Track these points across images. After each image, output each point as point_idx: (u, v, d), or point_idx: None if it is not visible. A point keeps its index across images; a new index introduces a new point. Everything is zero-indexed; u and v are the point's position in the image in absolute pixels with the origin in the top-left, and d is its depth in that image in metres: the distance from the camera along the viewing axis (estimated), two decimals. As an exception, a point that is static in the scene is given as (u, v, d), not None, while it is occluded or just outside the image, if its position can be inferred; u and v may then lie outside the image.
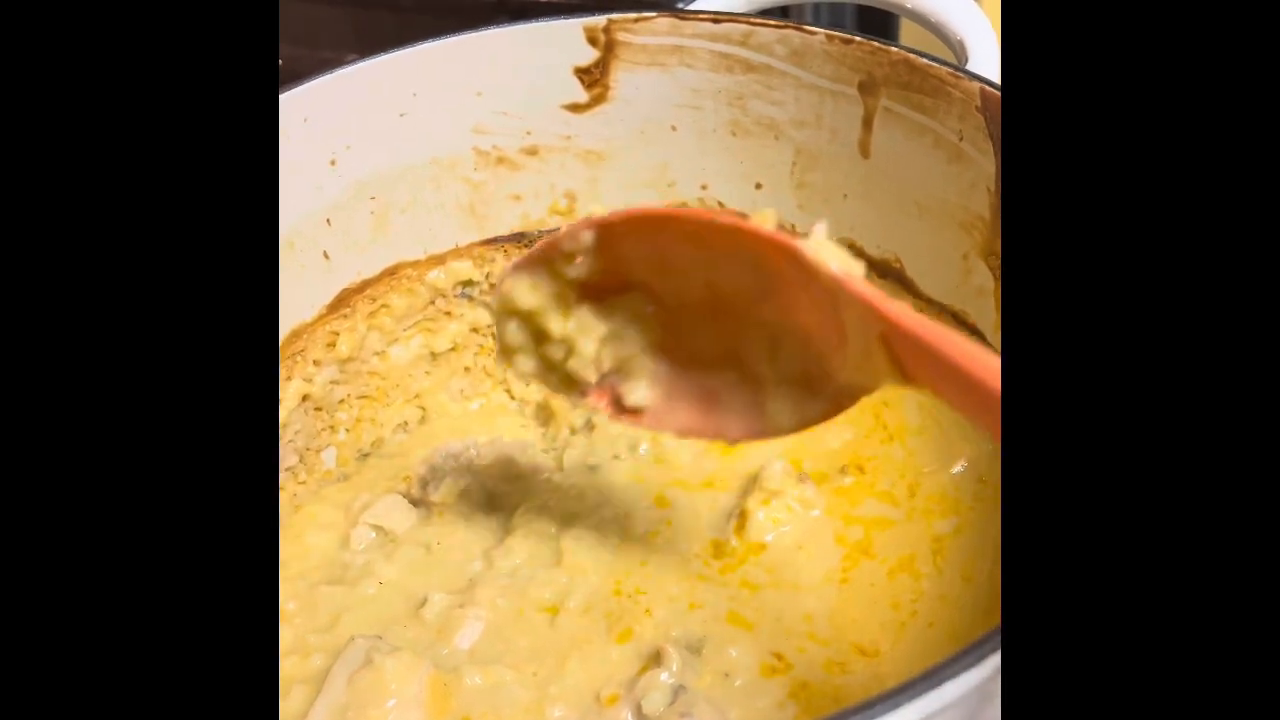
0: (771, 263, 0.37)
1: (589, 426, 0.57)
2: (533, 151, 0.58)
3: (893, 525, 0.49)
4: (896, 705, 0.26)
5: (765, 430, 0.41)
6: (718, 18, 0.53)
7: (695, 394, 0.42)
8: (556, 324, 0.42)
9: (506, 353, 0.44)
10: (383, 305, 0.58)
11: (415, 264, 0.59)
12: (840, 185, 0.55)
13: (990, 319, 0.50)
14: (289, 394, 0.56)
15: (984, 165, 0.48)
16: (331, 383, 0.58)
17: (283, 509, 0.56)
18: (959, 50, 0.55)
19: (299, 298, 0.55)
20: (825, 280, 0.34)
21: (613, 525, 0.51)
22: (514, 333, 0.43)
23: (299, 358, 0.56)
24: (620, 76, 0.56)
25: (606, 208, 0.59)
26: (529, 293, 0.42)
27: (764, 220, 0.36)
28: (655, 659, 0.43)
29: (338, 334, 0.57)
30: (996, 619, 0.27)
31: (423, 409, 0.62)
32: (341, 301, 0.57)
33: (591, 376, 0.43)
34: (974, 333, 0.51)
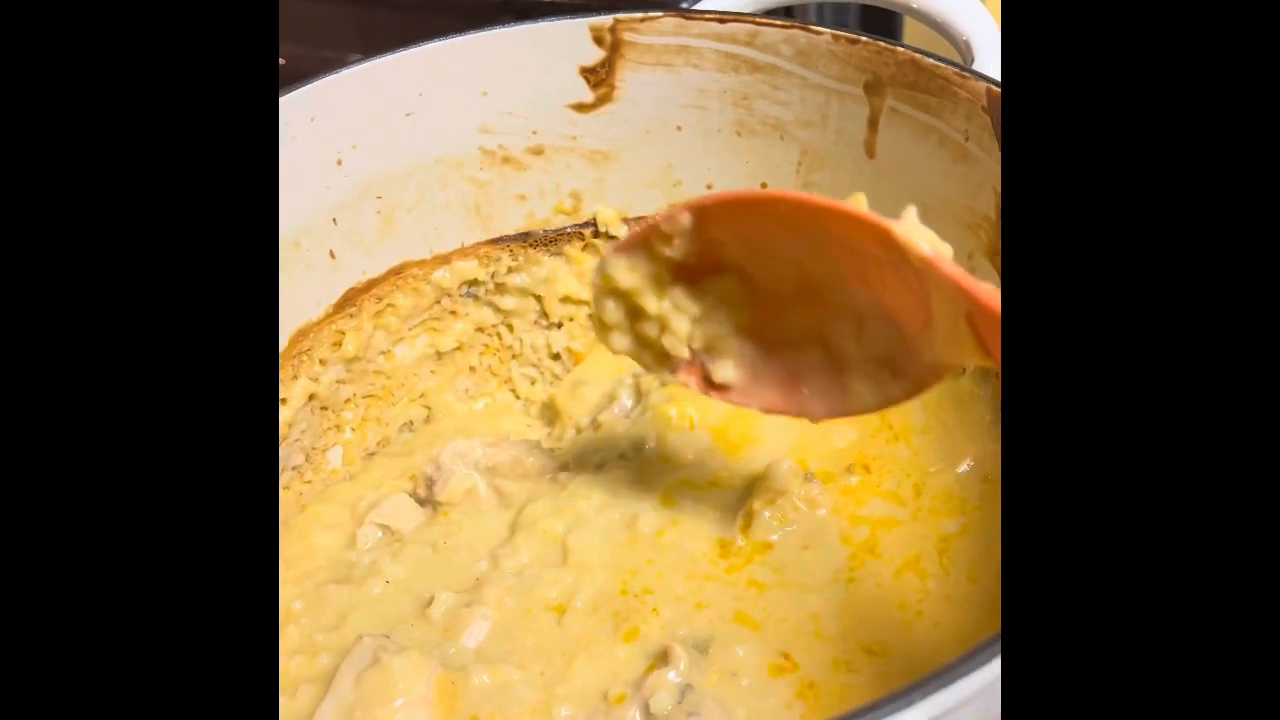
0: (862, 244, 0.38)
1: (595, 425, 0.57)
2: (538, 151, 0.58)
3: (899, 525, 0.49)
4: (909, 703, 0.26)
5: (849, 409, 0.42)
6: (724, 18, 0.53)
7: (781, 372, 0.44)
8: (652, 303, 0.44)
9: (603, 330, 0.46)
10: (388, 305, 0.58)
11: (421, 263, 0.59)
12: (846, 185, 0.55)
13: (996, 319, 0.50)
14: (295, 393, 0.56)
15: (990, 165, 0.48)
16: (337, 382, 0.58)
17: (289, 508, 0.56)
18: (964, 50, 0.55)
19: (305, 297, 0.55)
20: (915, 261, 0.35)
21: (619, 524, 0.51)
22: (612, 311, 0.45)
23: (305, 357, 0.56)
24: (626, 76, 0.56)
25: (612, 208, 0.60)
26: (627, 273, 0.44)
27: (857, 202, 0.37)
28: (662, 658, 0.43)
29: (344, 333, 0.57)
30: (1005, 619, 0.27)
31: (428, 408, 0.62)
32: (347, 301, 0.57)
33: (683, 354, 0.45)
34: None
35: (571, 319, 0.63)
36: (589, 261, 0.61)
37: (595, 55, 0.56)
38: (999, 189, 0.48)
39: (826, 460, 0.52)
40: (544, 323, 0.63)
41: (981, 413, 0.51)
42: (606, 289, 0.45)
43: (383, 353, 0.59)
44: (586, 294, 0.62)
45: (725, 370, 0.45)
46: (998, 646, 0.28)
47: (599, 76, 0.56)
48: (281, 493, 0.56)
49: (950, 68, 0.49)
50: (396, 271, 0.58)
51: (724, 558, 0.49)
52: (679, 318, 0.44)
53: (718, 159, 0.58)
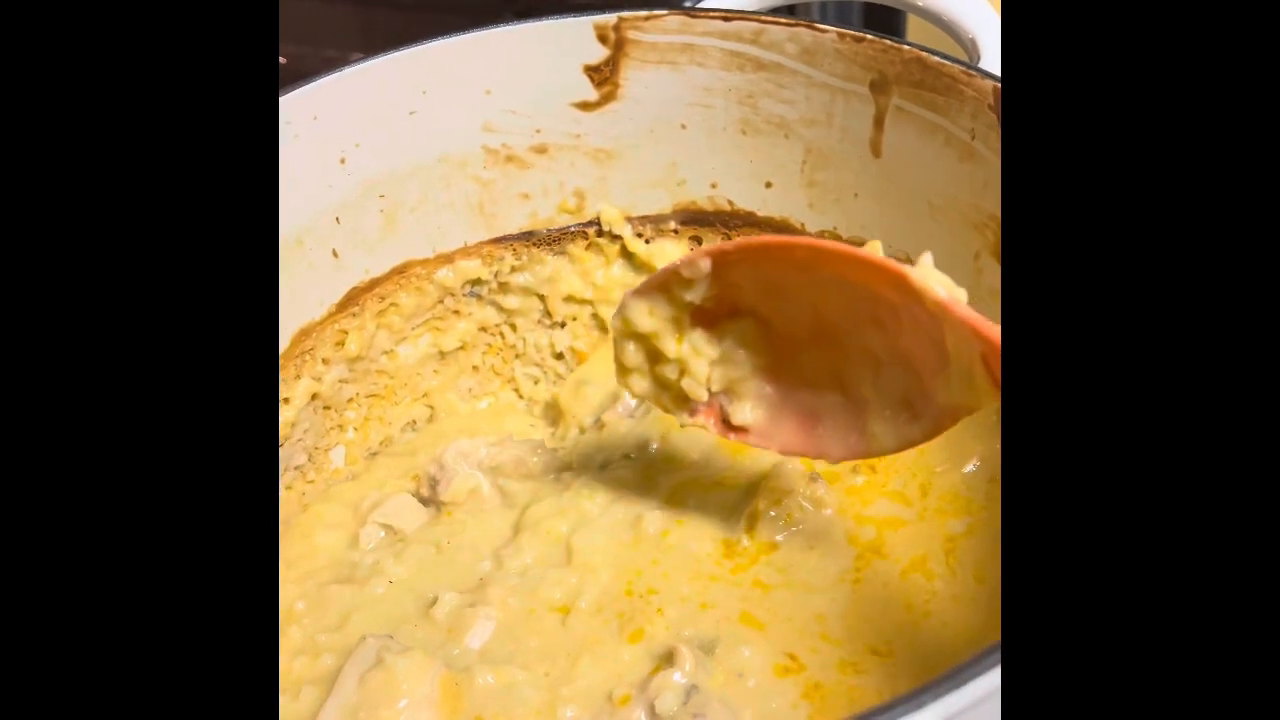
0: (878, 288, 0.38)
1: (599, 425, 0.57)
2: (542, 150, 0.58)
3: (905, 525, 0.49)
4: (920, 705, 0.26)
5: (868, 451, 0.43)
6: (728, 15, 0.53)
7: (799, 414, 0.45)
8: (671, 346, 0.45)
9: (624, 372, 0.47)
10: (391, 304, 0.58)
11: (424, 262, 0.59)
12: (851, 184, 0.55)
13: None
14: (297, 393, 0.55)
15: (996, 164, 0.48)
16: (340, 381, 0.58)
17: (291, 508, 0.56)
18: (971, 48, 0.55)
19: (308, 296, 0.55)
20: (931, 305, 0.36)
21: (623, 525, 0.50)
22: (631, 354, 0.46)
23: (308, 356, 0.56)
24: (630, 74, 0.56)
25: (616, 206, 0.60)
26: (647, 317, 0.45)
27: (872, 249, 0.38)
28: (668, 659, 0.43)
29: (346, 333, 0.57)
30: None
31: (431, 408, 0.62)
32: (350, 300, 0.57)
33: (702, 396, 0.46)
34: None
35: (575, 318, 0.62)
36: (593, 261, 0.61)
37: (599, 53, 0.55)
38: (1005, 188, 0.48)
39: (832, 460, 0.52)
40: (547, 322, 0.62)
41: (987, 412, 0.51)
42: (626, 332, 0.46)
43: (385, 352, 0.59)
44: (590, 293, 0.62)
45: (744, 412, 0.46)
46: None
47: (603, 75, 0.56)
48: (284, 492, 0.56)
49: (956, 66, 0.48)
50: (399, 271, 0.58)
51: (729, 558, 0.49)
52: (698, 360, 0.45)
53: (722, 158, 0.58)
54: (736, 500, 0.51)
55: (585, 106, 0.57)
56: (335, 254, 0.55)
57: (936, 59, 0.49)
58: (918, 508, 0.49)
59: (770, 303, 0.43)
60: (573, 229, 0.60)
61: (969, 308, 0.36)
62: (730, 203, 0.59)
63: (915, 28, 0.90)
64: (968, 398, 0.38)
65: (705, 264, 0.42)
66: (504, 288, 0.61)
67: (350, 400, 0.59)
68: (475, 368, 0.63)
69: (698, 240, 0.60)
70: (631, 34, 0.55)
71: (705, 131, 0.57)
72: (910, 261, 0.37)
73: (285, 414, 0.55)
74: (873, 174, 0.54)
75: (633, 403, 0.57)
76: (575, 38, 0.55)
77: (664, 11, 0.54)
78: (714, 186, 0.59)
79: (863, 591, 0.47)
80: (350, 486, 0.57)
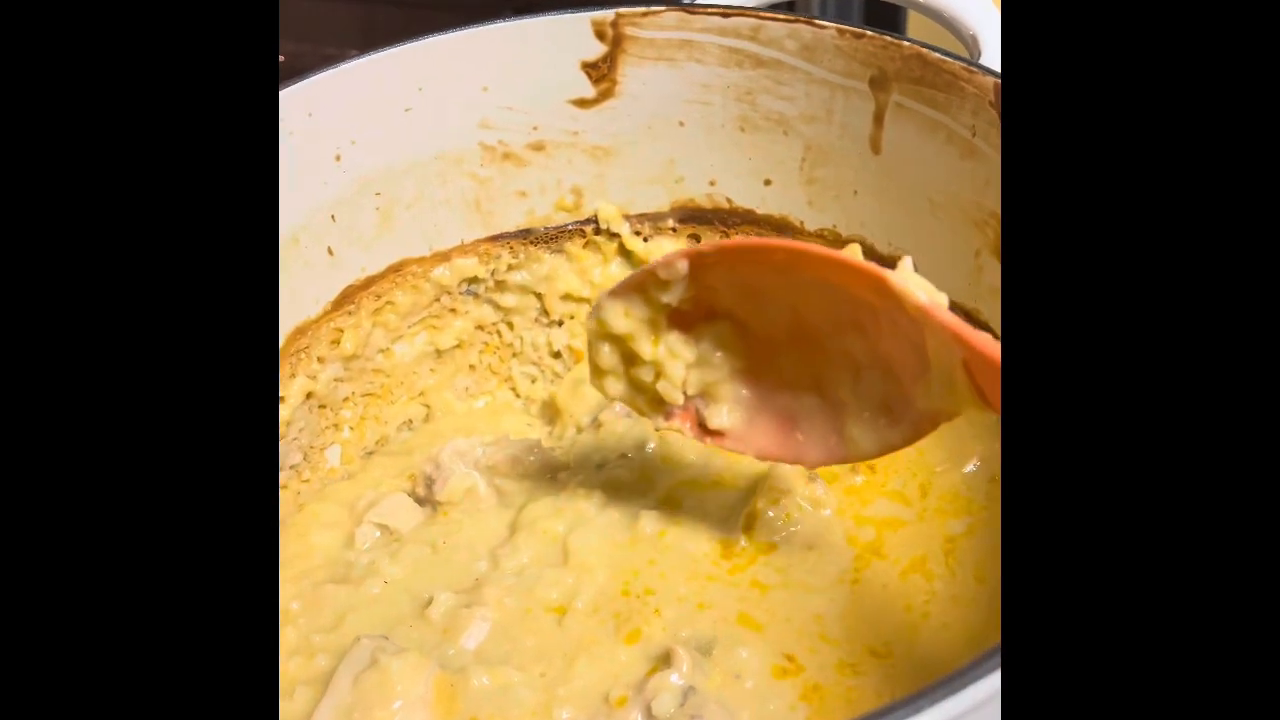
0: (857, 292, 0.38)
1: (596, 425, 0.56)
2: (539, 147, 0.58)
3: (904, 525, 0.48)
4: (917, 709, 0.26)
5: (846, 455, 0.43)
6: (727, 12, 0.53)
7: (777, 418, 0.45)
8: (647, 348, 0.45)
9: (598, 374, 0.47)
10: (387, 302, 0.58)
11: (420, 260, 0.58)
12: (851, 181, 0.55)
13: (1003, 317, 0.49)
14: (293, 391, 0.55)
15: (997, 161, 0.47)
16: (336, 380, 0.57)
17: (286, 507, 0.56)
18: (971, 44, 0.54)
19: (303, 294, 0.55)
20: (911, 310, 0.36)
21: (620, 524, 0.50)
22: (606, 356, 0.46)
23: (303, 355, 0.55)
24: (628, 71, 0.56)
25: (613, 204, 0.60)
26: (622, 318, 0.44)
27: (851, 251, 0.38)
28: (665, 660, 0.43)
29: (342, 331, 0.56)
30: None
31: (427, 406, 0.62)
32: (346, 298, 0.56)
33: (678, 399, 0.45)
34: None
35: (572, 317, 0.62)
36: (590, 259, 0.61)
37: (597, 50, 0.55)
38: (1006, 185, 0.47)
39: (831, 460, 0.52)
40: (544, 320, 0.62)
41: (988, 412, 0.50)
42: (601, 333, 0.45)
43: (381, 351, 0.59)
44: (588, 292, 0.61)
45: (720, 416, 0.45)
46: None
47: (600, 71, 0.56)
48: (279, 492, 0.56)
49: (957, 62, 0.48)
50: (396, 269, 0.58)
51: (727, 558, 0.48)
52: (674, 363, 0.45)
53: (721, 155, 0.57)
54: (734, 500, 0.51)
55: (583, 103, 0.57)
56: (331, 252, 0.55)
57: (937, 55, 0.48)
58: (917, 508, 0.49)
59: (748, 305, 0.43)
60: (570, 227, 0.60)
61: (950, 313, 0.35)
62: (729, 200, 0.58)
63: (916, 24, 0.90)
64: (948, 403, 0.37)
65: (682, 265, 0.42)
66: (501, 286, 0.61)
67: (346, 399, 0.58)
68: (472, 366, 0.62)
69: (696, 238, 0.60)
70: (629, 30, 0.54)
71: (704, 128, 0.57)
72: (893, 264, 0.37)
73: (281, 413, 0.55)
74: (873, 171, 0.53)
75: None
76: (573, 34, 0.55)
77: (662, 8, 0.54)
78: (712, 184, 0.58)
79: (862, 592, 0.46)
80: (346, 486, 0.57)
